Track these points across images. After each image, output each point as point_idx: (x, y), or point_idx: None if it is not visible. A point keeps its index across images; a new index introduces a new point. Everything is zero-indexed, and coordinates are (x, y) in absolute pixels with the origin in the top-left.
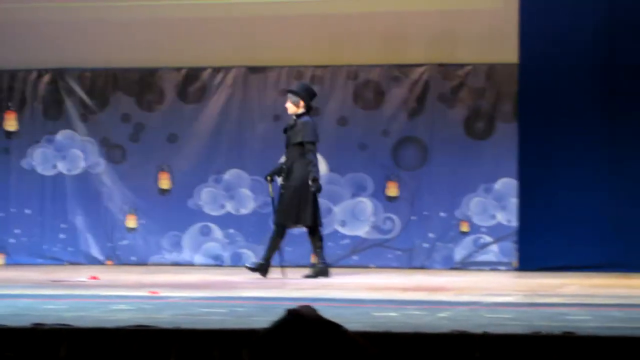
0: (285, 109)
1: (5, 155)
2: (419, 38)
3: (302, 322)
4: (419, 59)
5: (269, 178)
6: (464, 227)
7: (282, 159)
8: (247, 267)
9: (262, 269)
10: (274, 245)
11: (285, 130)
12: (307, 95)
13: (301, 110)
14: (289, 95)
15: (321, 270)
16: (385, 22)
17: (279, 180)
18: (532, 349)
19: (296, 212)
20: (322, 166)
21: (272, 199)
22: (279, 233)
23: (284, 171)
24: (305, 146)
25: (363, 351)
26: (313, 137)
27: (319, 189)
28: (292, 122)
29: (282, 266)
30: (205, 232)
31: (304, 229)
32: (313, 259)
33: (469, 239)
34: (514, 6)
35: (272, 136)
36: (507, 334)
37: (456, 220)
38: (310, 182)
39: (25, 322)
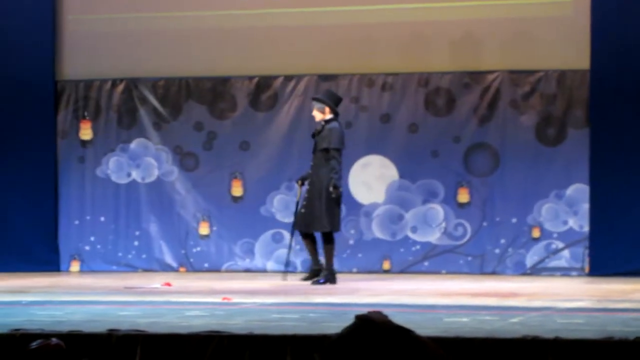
0: (358, 118)
1: (81, 163)
2: (490, 45)
3: (373, 327)
4: (490, 66)
5: (299, 182)
6: (536, 233)
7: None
8: (304, 280)
9: (317, 274)
10: (312, 249)
11: (313, 136)
12: (332, 101)
13: (328, 116)
14: (314, 103)
15: (328, 276)
16: (457, 29)
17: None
18: (604, 354)
19: (314, 218)
20: (392, 172)
21: (297, 203)
22: (308, 239)
23: (311, 178)
24: (330, 152)
25: (434, 356)
26: (339, 144)
27: (338, 196)
28: (320, 127)
29: (285, 271)
30: (278, 239)
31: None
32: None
33: (540, 245)
34: (585, 12)
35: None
36: (579, 339)
37: (528, 226)
38: (330, 189)
39: (100, 328)
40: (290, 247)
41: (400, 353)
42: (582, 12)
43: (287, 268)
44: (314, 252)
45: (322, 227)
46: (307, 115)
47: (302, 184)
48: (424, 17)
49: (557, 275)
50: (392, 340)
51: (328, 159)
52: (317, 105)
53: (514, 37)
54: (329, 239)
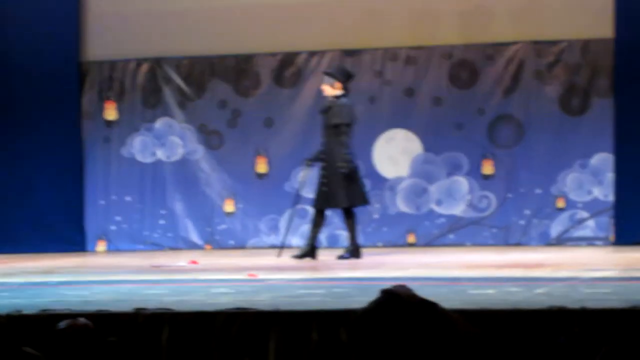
0: (325, 92)
1: (106, 143)
2: (512, 16)
3: (398, 301)
4: (513, 37)
5: (307, 162)
6: (560, 203)
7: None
8: (293, 257)
9: (307, 253)
10: (315, 229)
11: (323, 112)
12: (343, 76)
13: (337, 92)
14: (325, 77)
15: (353, 251)
16: (480, 1)
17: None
18: (632, 323)
19: (332, 195)
20: (416, 145)
21: (301, 183)
22: (319, 216)
23: (324, 154)
24: (340, 128)
25: (461, 329)
26: (348, 118)
27: (350, 169)
28: (329, 103)
29: (281, 247)
30: (303, 215)
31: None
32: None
33: (565, 215)
34: None
35: (368, 118)
36: (606, 309)
37: (552, 196)
38: (340, 163)
39: (127, 307)
40: (289, 226)
41: (426, 326)
42: None
43: (283, 244)
44: (351, 229)
45: (339, 203)
46: None
47: (311, 165)
48: None
49: (582, 245)
50: (418, 314)
51: (339, 134)
52: (327, 79)
53: (536, 7)
54: (348, 214)
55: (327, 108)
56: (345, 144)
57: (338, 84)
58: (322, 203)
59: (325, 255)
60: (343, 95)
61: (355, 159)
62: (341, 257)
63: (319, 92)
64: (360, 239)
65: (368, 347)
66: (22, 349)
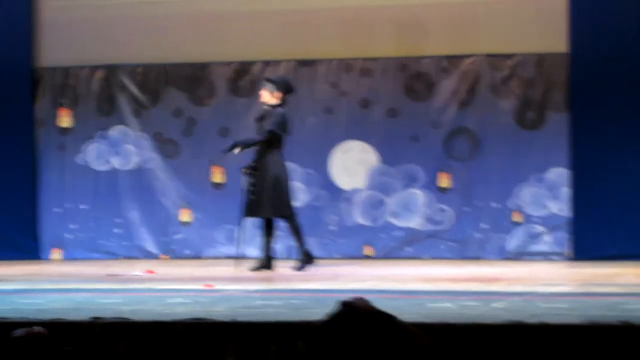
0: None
1: (60, 151)
2: (468, 29)
3: (357, 314)
4: (469, 50)
5: (245, 170)
6: (517, 218)
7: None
8: (250, 269)
9: (264, 265)
10: (266, 237)
11: (258, 120)
12: (284, 88)
13: (275, 101)
14: (266, 83)
15: (263, 262)
16: (434, 13)
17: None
18: (589, 339)
19: (281, 203)
20: (373, 157)
21: (247, 191)
22: (293, 221)
23: (255, 162)
24: (273, 135)
25: (419, 342)
26: (279, 128)
27: (227, 150)
28: (264, 111)
29: (237, 258)
30: (260, 226)
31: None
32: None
33: (522, 229)
34: None
35: (324, 129)
36: (563, 324)
37: (509, 210)
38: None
39: (84, 316)
40: (239, 237)
41: (384, 339)
42: None
43: (239, 255)
44: (266, 239)
45: (267, 213)
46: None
47: (248, 173)
48: (401, 1)
49: (539, 260)
50: (376, 327)
51: (271, 142)
52: (268, 86)
53: (492, 21)
54: (269, 224)
55: (262, 116)
56: (254, 143)
57: (278, 94)
58: (249, 212)
59: (283, 267)
60: (279, 106)
61: (287, 169)
62: (298, 269)
63: None
64: (317, 251)
65: (326, 359)
66: None
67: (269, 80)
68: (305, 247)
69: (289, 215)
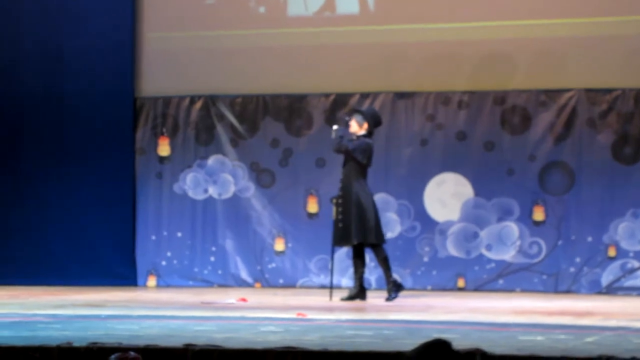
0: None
1: (159, 179)
2: (566, 63)
3: (446, 346)
4: (567, 84)
5: (334, 201)
6: (612, 252)
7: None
8: (342, 299)
9: (356, 295)
10: (356, 267)
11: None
12: (372, 120)
13: (363, 132)
14: (355, 114)
15: (358, 293)
16: (533, 47)
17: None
18: None
19: (368, 230)
20: (468, 190)
21: (334, 221)
22: (380, 251)
23: (342, 191)
24: (359, 164)
25: None
26: (361, 154)
27: (363, 204)
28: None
29: (331, 288)
30: (351, 256)
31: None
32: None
33: (616, 264)
34: None
35: (419, 161)
36: None
37: (603, 244)
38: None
39: (177, 342)
40: (332, 266)
41: None
42: None
43: (332, 285)
44: (360, 268)
45: (377, 239)
46: (383, 131)
47: (336, 202)
48: (500, 34)
49: (633, 295)
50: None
51: (359, 171)
52: (357, 117)
53: (591, 55)
54: (363, 253)
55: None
56: (363, 182)
57: (366, 125)
58: (337, 241)
59: (375, 297)
60: (366, 136)
61: (373, 198)
62: (388, 299)
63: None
64: (409, 282)
65: None
66: None
67: (358, 111)
68: (392, 278)
69: (375, 243)
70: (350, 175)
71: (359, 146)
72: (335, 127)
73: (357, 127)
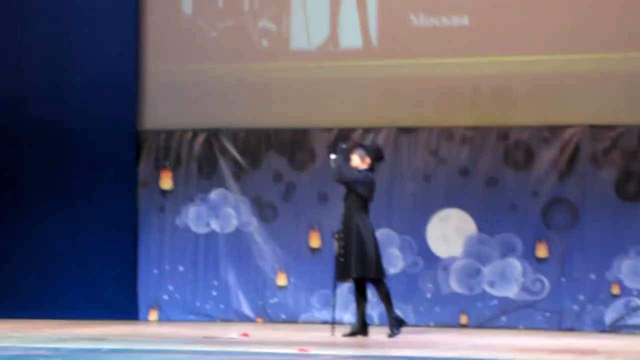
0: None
1: (161, 213)
2: (570, 99)
3: None
4: (570, 121)
5: (336, 235)
6: (615, 290)
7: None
8: (344, 335)
9: (358, 331)
10: (358, 303)
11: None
12: (375, 155)
13: (365, 166)
14: (358, 149)
15: (360, 329)
16: (536, 83)
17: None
18: None
19: (352, 264)
20: (471, 226)
21: (337, 257)
22: (382, 286)
23: (344, 225)
24: (361, 199)
25: None
26: (366, 192)
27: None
28: None
29: (333, 323)
30: (353, 291)
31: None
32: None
33: (620, 302)
34: None
35: (422, 197)
36: None
37: (607, 282)
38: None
39: None
40: (334, 302)
41: None
42: None
43: (334, 321)
44: (362, 304)
45: (353, 273)
46: (387, 167)
47: (339, 238)
48: (503, 70)
49: (637, 334)
50: None
51: (360, 205)
52: (360, 152)
53: (594, 92)
54: (365, 288)
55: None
56: (365, 216)
57: (368, 160)
58: (338, 275)
59: (377, 333)
60: (368, 170)
61: (374, 232)
62: (390, 335)
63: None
64: (412, 318)
65: None
66: None
67: (361, 146)
68: (394, 314)
69: (375, 277)
70: (351, 209)
71: (362, 179)
72: (333, 156)
73: (359, 162)
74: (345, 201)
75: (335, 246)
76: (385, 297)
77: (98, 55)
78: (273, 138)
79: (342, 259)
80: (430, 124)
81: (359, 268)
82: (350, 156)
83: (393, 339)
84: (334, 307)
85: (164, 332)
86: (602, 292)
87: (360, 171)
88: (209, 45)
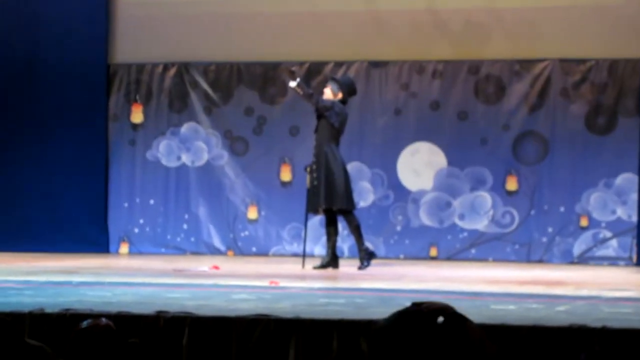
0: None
1: (131, 146)
2: (540, 33)
3: (423, 313)
4: (541, 54)
5: (308, 169)
6: (584, 222)
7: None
8: (315, 267)
9: (372, 256)
10: (329, 235)
11: (318, 117)
12: (347, 89)
13: (337, 100)
14: (331, 82)
15: (330, 261)
16: (507, 17)
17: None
18: None
19: (339, 196)
20: (441, 159)
21: (309, 190)
22: (351, 217)
23: (315, 157)
24: (333, 130)
25: (488, 347)
26: (338, 122)
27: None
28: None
29: (303, 256)
30: (324, 224)
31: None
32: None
33: (588, 234)
34: (638, 0)
35: (393, 130)
36: (627, 329)
37: (576, 214)
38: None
39: (149, 309)
40: (305, 234)
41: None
42: (634, 0)
43: (304, 253)
44: (329, 237)
45: (347, 205)
46: (357, 101)
47: (311, 171)
48: (475, 3)
49: (604, 265)
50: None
51: (331, 137)
52: (332, 85)
53: (565, 25)
54: (335, 220)
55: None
56: (335, 148)
57: (340, 94)
58: (309, 207)
59: (348, 265)
60: (341, 103)
61: (344, 164)
62: (360, 267)
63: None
64: (382, 251)
65: (389, 358)
66: (25, 340)
67: (334, 80)
68: (364, 246)
69: (344, 208)
70: (322, 141)
71: (336, 109)
72: (292, 83)
73: (331, 95)
74: (315, 133)
75: (307, 179)
76: (356, 230)
77: None
78: (244, 72)
79: (312, 191)
80: (401, 57)
81: (329, 199)
82: (323, 90)
83: (363, 271)
84: (305, 239)
85: (134, 264)
86: (570, 224)
87: (333, 102)
88: None
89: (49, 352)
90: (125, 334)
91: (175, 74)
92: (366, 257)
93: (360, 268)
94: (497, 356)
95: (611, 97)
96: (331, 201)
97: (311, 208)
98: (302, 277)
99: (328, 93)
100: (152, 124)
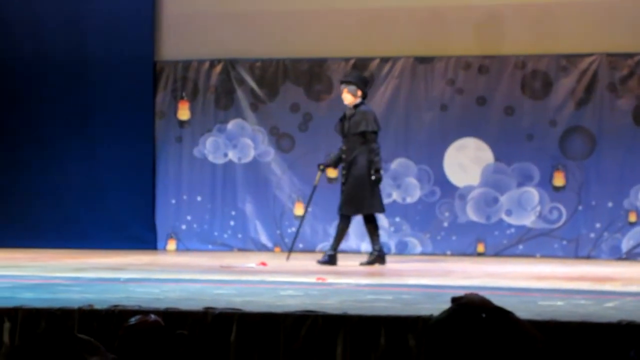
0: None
1: (178, 143)
2: (587, 27)
3: (471, 310)
4: (588, 49)
5: (321, 167)
6: (632, 217)
7: (339, 149)
8: (318, 262)
9: (331, 260)
10: (340, 234)
11: (342, 120)
12: (363, 83)
13: (358, 99)
14: (345, 85)
15: (377, 258)
16: (555, 12)
17: (336, 171)
18: None
19: (360, 201)
20: (488, 155)
21: (315, 187)
22: (345, 222)
23: (346, 162)
24: (368, 136)
25: (532, 339)
26: (375, 126)
27: (379, 179)
28: (351, 111)
29: (290, 251)
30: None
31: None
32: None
33: (637, 230)
34: None
35: (439, 126)
36: None
37: (624, 210)
38: (372, 172)
39: (196, 306)
40: (298, 229)
41: (499, 336)
42: None
43: (292, 248)
44: (373, 235)
45: (368, 209)
46: (403, 97)
47: (323, 170)
48: None
49: None
50: (491, 323)
51: (365, 142)
52: (348, 87)
53: (612, 20)
54: (370, 220)
55: (348, 116)
56: (376, 151)
57: (360, 92)
58: (347, 209)
59: (395, 262)
60: (362, 103)
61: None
62: (365, 264)
63: (392, 98)
64: (429, 247)
65: (440, 355)
66: (74, 334)
67: (346, 82)
68: (378, 246)
69: (366, 213)
70: (355, 145)
71: (367, 121)
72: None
73: (351, 98)
74: (346, 137)
75: (316, 177)
76: (371, 231)
77: None
78: (290, 68)
79: (349, 194)
80: (447, 53)
81: (371, 205)
82: (341, 96)
83: (409, 268)
84: (297, 233)
85: (182, 261)
86: (619, 219)
87: (355, 107)
88: None
89: (98, 345)
90: (173, 330)
91: (221, 71)
92: (375, 260)
93: (363, 264)
94: (546, 347)
95: None
96: (378, 206)
97: (348, 210)
98: (349, 274)
99: (349, 99)
100: (199, 120)
